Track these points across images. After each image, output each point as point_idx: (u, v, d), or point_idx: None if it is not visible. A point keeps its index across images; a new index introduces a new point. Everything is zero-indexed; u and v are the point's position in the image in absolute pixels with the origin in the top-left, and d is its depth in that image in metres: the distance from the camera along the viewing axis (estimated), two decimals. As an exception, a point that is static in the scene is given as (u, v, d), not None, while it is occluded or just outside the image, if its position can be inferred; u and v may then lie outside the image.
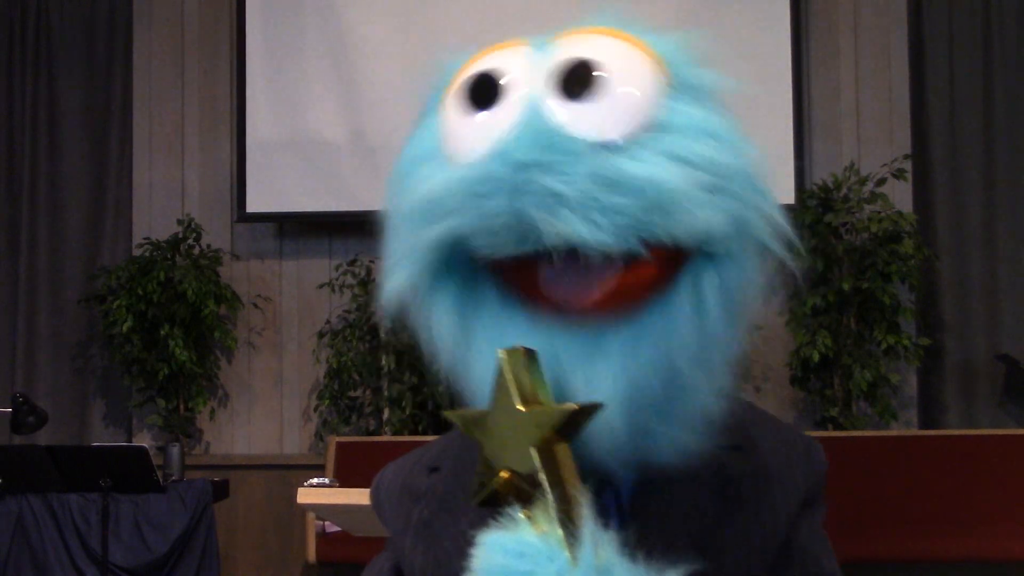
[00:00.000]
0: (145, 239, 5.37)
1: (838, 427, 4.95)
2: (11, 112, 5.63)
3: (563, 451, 0.86)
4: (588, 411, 0.86)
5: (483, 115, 0.91)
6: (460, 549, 0.98)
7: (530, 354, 0.88)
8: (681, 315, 0.90)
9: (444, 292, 0.94)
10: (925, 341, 5.11)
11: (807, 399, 5.17)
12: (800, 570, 1.02)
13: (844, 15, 5.41)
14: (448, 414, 0.92)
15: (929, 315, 5.30)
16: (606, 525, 0.90)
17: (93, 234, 5.59)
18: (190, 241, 5.35)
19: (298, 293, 5.50)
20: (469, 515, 1.00)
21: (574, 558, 0.83)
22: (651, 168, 0.87)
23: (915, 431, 5.16)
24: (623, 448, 0.90)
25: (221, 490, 4.76)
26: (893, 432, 5.01)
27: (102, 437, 5.45)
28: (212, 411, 5.42)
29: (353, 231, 5.44)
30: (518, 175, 0.86)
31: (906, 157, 5.16)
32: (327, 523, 4.23)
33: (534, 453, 0.84)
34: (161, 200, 5.56)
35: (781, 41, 5.19)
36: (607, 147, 0.87)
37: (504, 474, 0.86)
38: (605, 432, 0.88)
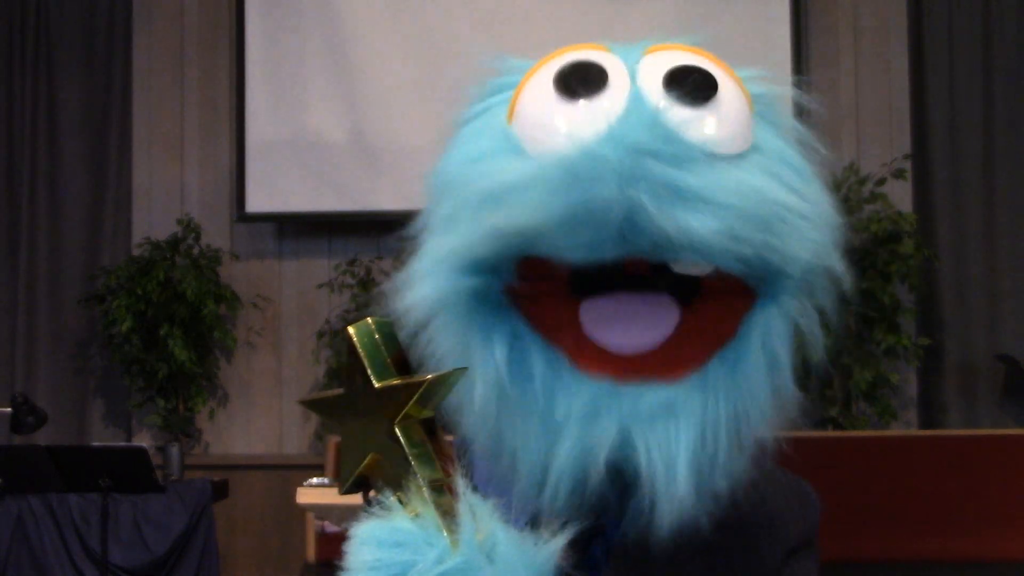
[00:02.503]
0: (145, 239, 5.37)
1: (838, 427, 4.95)
2: (11, 112, 5.62)
3: (427, 424, 0.81)
4: (447, 377, 0.80)
5: (584, 103, 0.82)
6: None
7: (377, 326, 0.83)
8: (751, 366, 0.85)
9: (489, 341, 0.83)
10: (925, 341, 5.11)
11: (807, 399, 5.17)
12: None
13: (844, 15, 5.41)
14: (301, 401, 0.86)
15: (929, 315, 5.30)
16: (595, 574, 0.88)
17: (93, 234, 5.59)
18: (189, 241, 5.35)
19: (298, 293, 5.50)
20: None
21: (454, 539, 0.78)
22: (763, 180, 0.81)
23: (915, 431, 5.16)
24: (686, 509, 0.82)
25: (220, 490, 4.76)
26: (893, 432, 5.00)
27: (102, 437, 5.44)
28: (211, 411, 5.41)
29: (353, 231, 5.44)
30: (634, 160, 0.77)
31: (906, 157, 5.16)
32: (326, 523, 4.22)
33: (398, 430, 0.79)
34: (161, 200, 5.56)
35: (781, 41, 5.18)
36: (716, 155, 0.81)
37: (371, 457, 0.81)
38: (671, 504, 0.82)
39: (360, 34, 5.37)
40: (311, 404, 0.86)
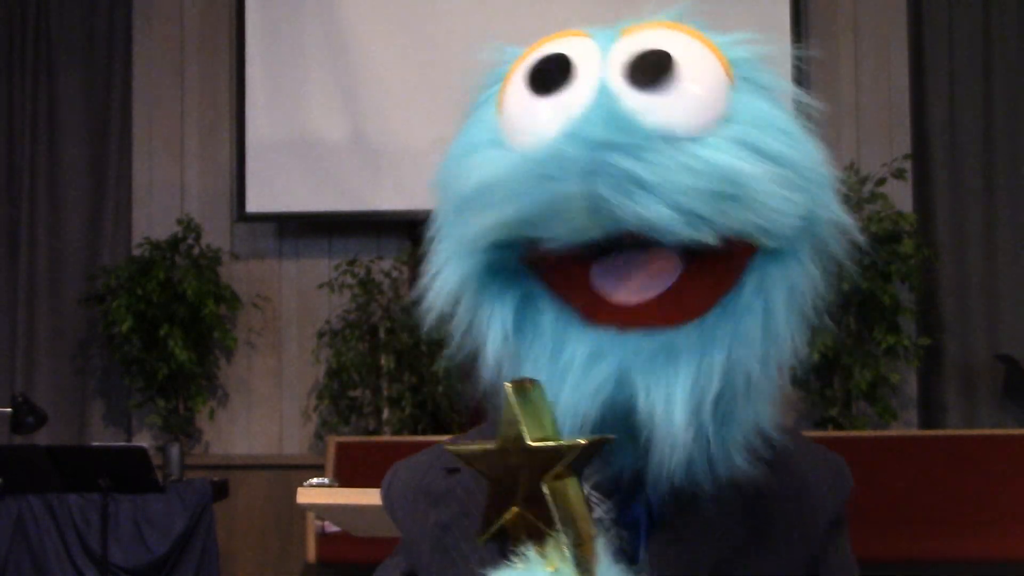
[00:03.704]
0: (145, 239, 5.37)
1: (838, 427, 4.95)
2: (11, 112, 5.62)
3: (573, 485, 0.84)
4: (599, 444, 0.84)
5: (551, 99, 0.88)
6: (480, 556, 0.96)
7: (536, 385, 0.86)
8: (749, 315, 0.88)
9: (499, 301, 0.91)
10: (925, 341, 5.11)
11: (807, 399, 5.17)
12: None
13: (844, 15, 5.41)
14: (450, 449, 0.89)
15: (929, 315, 5.30)
16: (635, 539, 0.89)
17: (93, 234, 5.59)
18: (190, 241, 5.35)
19: (298, 293, 5.50)
20: None
21: None
22: (726, 155, 0.85)
23: (915, 431, 5.16)
24: (685, 461, 0.86)
25: (221, 490, 4.76)
26: (893, 432, 5.01)
27: (102, 437, 5.44)
28: (212, 411, 5.41)
29: (353, 231, 5.44)
30: (593, 155, 0.83)
31: (906, 157, 5.16)
32: (326, 523, 4.23)
33: (546, 489, 0.82)
34: (161, 200, 5.56)
35: (781, 41, 5.18)
36: (680, 136, 0.85)
37: (514, 510, 0.84)
38: (670, 444, 0.85)
39: (360, 34, 5.37)
40: (459, 454, 0.88)
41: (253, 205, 5.37)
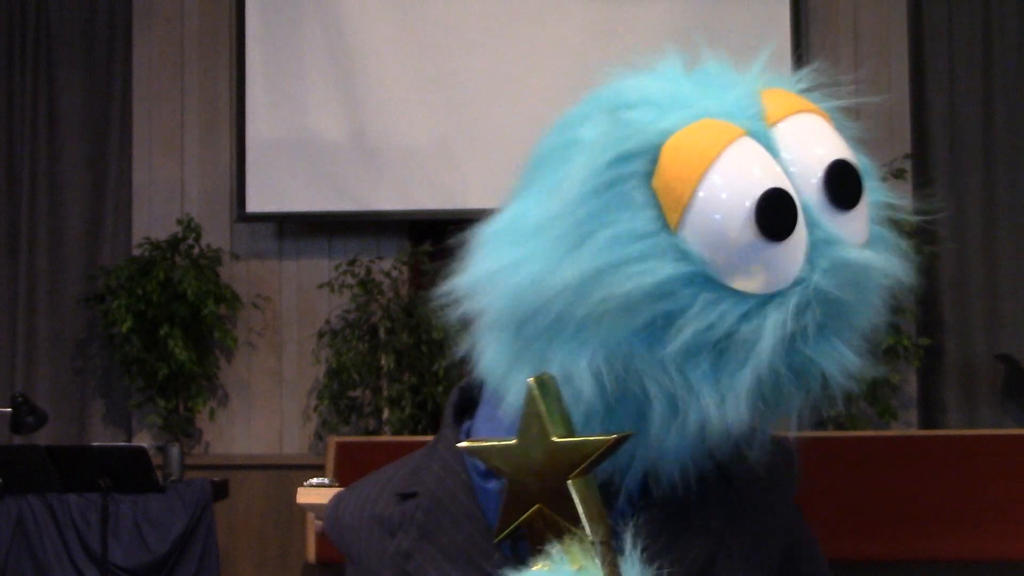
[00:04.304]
0: (145, 239, 5.37)
1: (838, 427, 4.94)
2: (11, 112, 5.62)
3: (592, 482, 0.84)
4: (621, 440, 0.83)
5: (784, 244, 0.88)
6: None
7: (555, 380, 0.86)
8: None
9: None
10: (925, 341, 5.10)
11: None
12: None
13: (844, 15, 5.41)
14: (468, 446, 0.87)
15: (929, 315, 5.30)
16: (619, 538, 0.90)
17: (93, 234, 5.59)
18: (190, 241, 5.35)
19: (298, 293, 5.50)
20: (456, 542, 0.98)
21: None
22: (885, 255, 0.96)
23: (915, 431, 5.16)
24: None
25: (221, 490, 4.76)
26: (893, 432, 5.00)
27: (102, 437, 5.44)
28: (212, 411, 5.41)
29: (353, 231, 5.44)
30: (833, 300, 0.90)
31: (906, 157, 5.16)
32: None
33: (571, 485, 0.83)
34: (161, 200, 5.56)
35: (781, 41, 5.18)
36: (866, 249, 0.93)
37: (535, 507, 0.84)
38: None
39: (360, 34, 5.37)
40: (476, 450, 0.87)
41: (253, 205, 5.37)
